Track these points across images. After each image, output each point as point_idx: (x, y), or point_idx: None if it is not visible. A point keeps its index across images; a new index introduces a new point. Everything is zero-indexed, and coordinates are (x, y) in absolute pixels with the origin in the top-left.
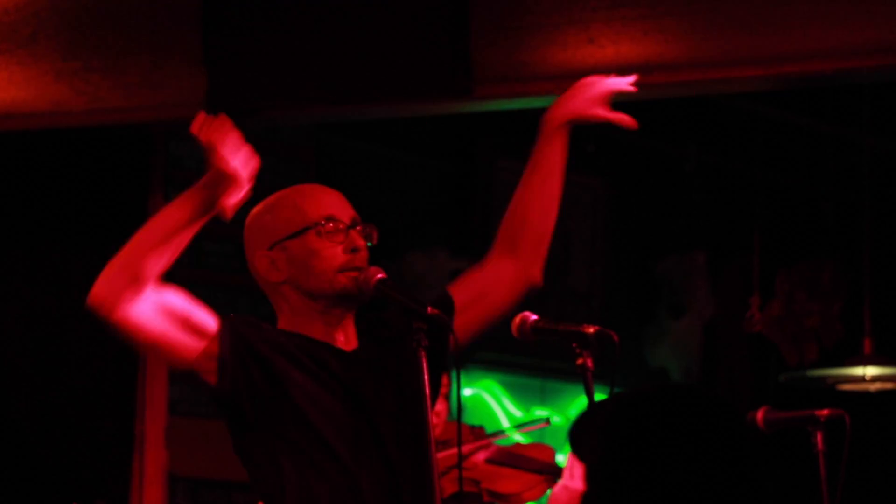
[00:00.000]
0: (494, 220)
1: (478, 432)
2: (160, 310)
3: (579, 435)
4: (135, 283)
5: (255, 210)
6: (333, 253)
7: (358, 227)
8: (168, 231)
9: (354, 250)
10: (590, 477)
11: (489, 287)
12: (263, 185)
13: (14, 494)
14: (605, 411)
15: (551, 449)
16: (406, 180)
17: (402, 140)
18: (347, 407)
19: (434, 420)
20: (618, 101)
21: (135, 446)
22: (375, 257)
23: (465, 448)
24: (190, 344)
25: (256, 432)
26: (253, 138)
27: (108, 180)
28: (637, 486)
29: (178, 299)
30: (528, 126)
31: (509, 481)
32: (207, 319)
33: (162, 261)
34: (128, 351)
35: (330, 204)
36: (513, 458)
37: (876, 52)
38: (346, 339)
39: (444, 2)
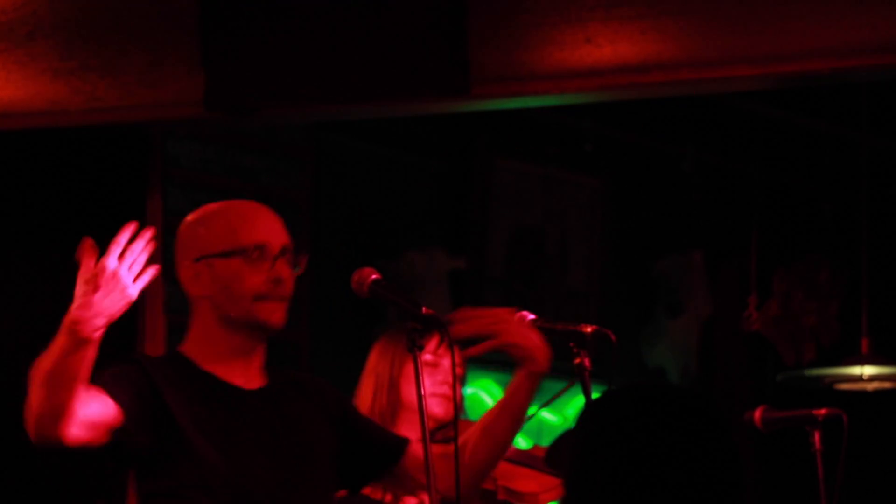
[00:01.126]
0: (492, 219)
1: None
2: (88, 426)
3: (556, 451)
4: (61, 417)
5: (192, 217)
6: (255, 281)
7: (287, 256)
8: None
9: (277, 281)
10: (565, 485)
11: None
12: (262, 184)
13: (12, 495)
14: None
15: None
16: (403, 180)
17: (400, 140)
18: (233, 454)
19: (448, 406)
20: (617, 101)
21: None
22: (373, 257)
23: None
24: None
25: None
26: (251, 138)
27: (106, 179)
28: (608, 486)
29: (91, 409)
30: (525, 125)
31: (527, 481)
32: (109, 413)
33: (73, 396)
34: (125, 351)
35: (263, 230)
36: (532, 459)
37: (874, 51)
38: (249, 374)
39: (441, 1)
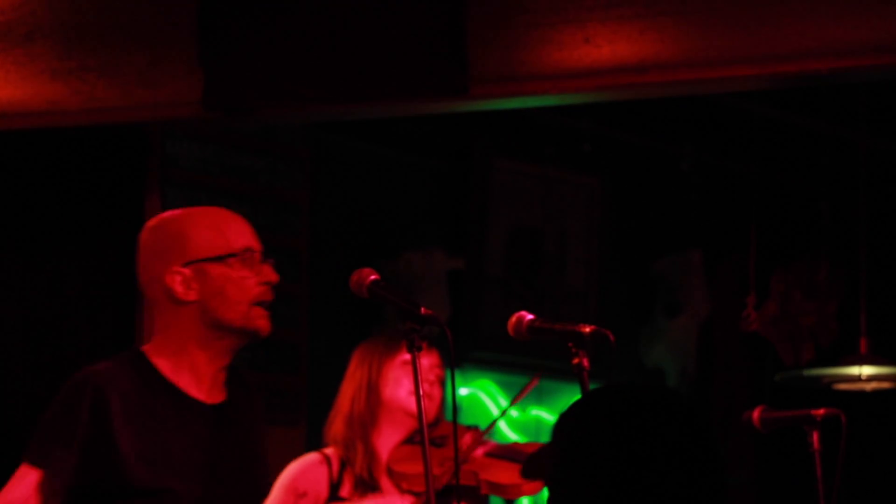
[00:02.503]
0: (491, 219)
1: (474, 431)
2: None
3: (532, 464)
4: None
5: (161, 223)
6: (249, 284)
7: (270, 260)
8: None
9: (268, 283)
10: (548, 485)
11: None
12: (261, 184)
13: None
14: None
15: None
16: (402, 180)
17: (399, 139)
18: (190, 470)
19: (427, 404)
20: (616, 101)
21: None
22: (372, 257)
23: (465, 444)
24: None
25: None
26: (250, 138)
27: (104, 179)
28: (590, 486)
29: None
30: (524, 125)
31: (508, 473)
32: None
33: None
34: (124, 350)
35: (247, 234)
36: (512, 452)
37: (872, 51)
38: (214, 387)
39: (440, 1)
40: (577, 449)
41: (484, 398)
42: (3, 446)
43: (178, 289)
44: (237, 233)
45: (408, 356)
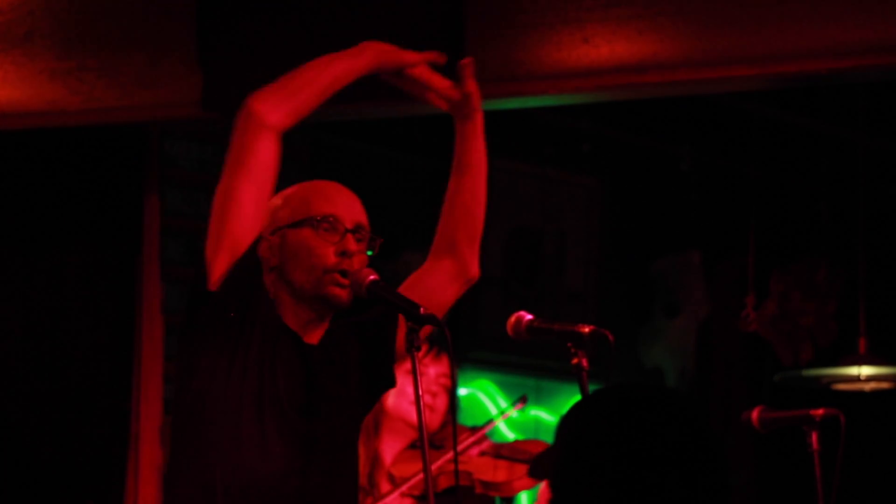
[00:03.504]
0: (490, 219)
1: (471, 432)
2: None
3: (540, 463)
4: (291, 112)
5: (274, 197)
6: (325, 252)
7: (360, 234)
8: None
9: (344, 254)
10: (551, 487)
11: (433, 287)
12: None
13: (9, 493)
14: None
15: (545, 443)
16: (401, 180)
17: (398, 140)
18: (290, 396)
19: (429, 415)
20: (615, 101)
21: (130, 445)
22: (371, 257)
23: (459, 446)
24: (249, 226)
25: (212, 355)
26: None
27: (103, 180)
28: (593, 487)
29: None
30: (523, 126)
31: (501, 471)
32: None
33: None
34: (123, 350)
35: (338, 204)
36: (505, 450)
37: (871, 51)
38: (311, 334)
39: (439, 1)
40: (579, 450)
41: (483, 398)
42: (4, 446)
43: (265, 255)
44: (322, 201)
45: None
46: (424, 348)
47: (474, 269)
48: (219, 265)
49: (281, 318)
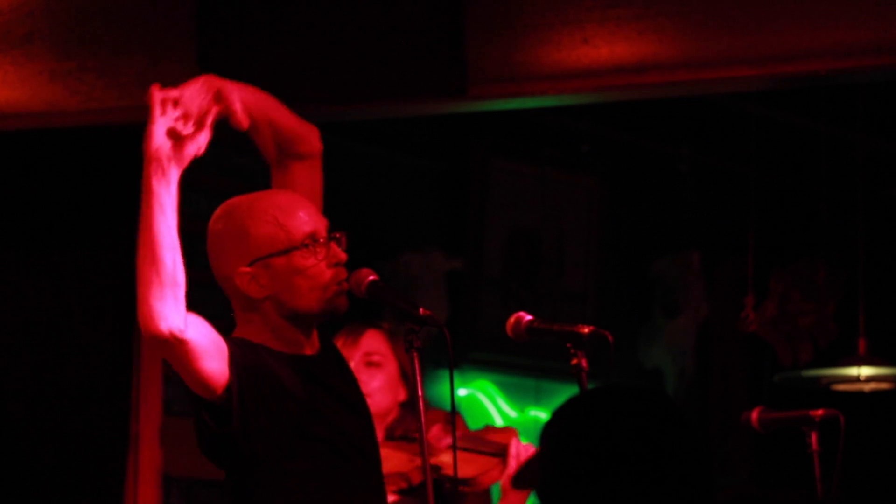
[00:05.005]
0: (489, 220)
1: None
2: (195, 329)
3: (524, 473)
4: (177, 300)
5: (224, 218)
6: (319, 270)
7: (335, 235)
8: (164, 239)
9: (338, 264)
10: (538, 491)
11: (304, 185)
12: (259, 185)
13: (8, 494)
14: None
15: (513, 430)
16: (400, 181)
17: (397, 140)
18: (329, 417)
19: (371, 402)
20: (614, 102)
21: (129, 446)
22: (370, 258)
23: (433, 436)
24: (218, 372)
25: (255, 471)
26: (247, 138)
27: (103, 180)
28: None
29: (199, 319)
30: (523, 126)
31: (467, 466)
32: (223, 346)
33: (179, 263)
34: (122, 350)
35: (310, 218)
36: (470, 442)
37: (870, 51)
38: (310, 345)
39: (438, 2)
40: (564, 456)
41: (482, 399)
42: (3, 447)
43: (249, 288)
44: (299, 221)
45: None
46: (343, 335)
47: (316, 144)
48: (213, 385)
49: (270, 367)
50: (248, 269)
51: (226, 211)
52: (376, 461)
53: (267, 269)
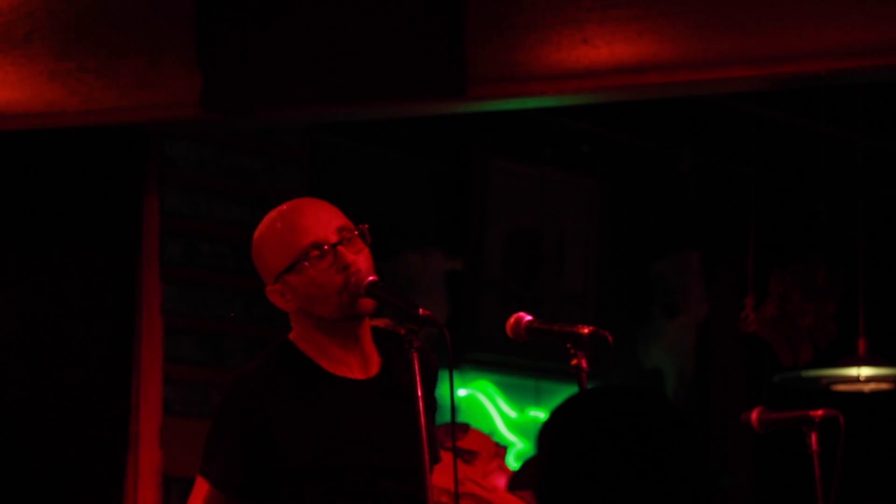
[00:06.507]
0: (489, 220)
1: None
2: None
3: (520, 477)
4: None
5: (256, 237)
6: (329, 278)
7: (346, 235)
8: None
9: (346, 268)
10: (535, 494)
11: None
12: (259, 186)
13: (8, 495)
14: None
15: (485, 436)
16: (400, 181)
17: (397, 141)
18: (348, 448)
19: None
20: (614, 102)
21: (129, 447)
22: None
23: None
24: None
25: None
26: (247, 139)
27: (103, 180)
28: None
29: None
30: (522, 126)
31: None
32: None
33: None
34: (122, 351)
35: (313, 227)
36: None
37: (870, 52)
38: (363, 361)
39: (438, 2)
40: (561, 457)
41: (482, 399)
42: (4, 446)
43: (280, 303)
44: (298, 234)
45: None
46: None
47: None
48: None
49: (289, 394)
50: (275, 286)
51: (258, 226)
52: (413, 487)
53: (286, 284)
